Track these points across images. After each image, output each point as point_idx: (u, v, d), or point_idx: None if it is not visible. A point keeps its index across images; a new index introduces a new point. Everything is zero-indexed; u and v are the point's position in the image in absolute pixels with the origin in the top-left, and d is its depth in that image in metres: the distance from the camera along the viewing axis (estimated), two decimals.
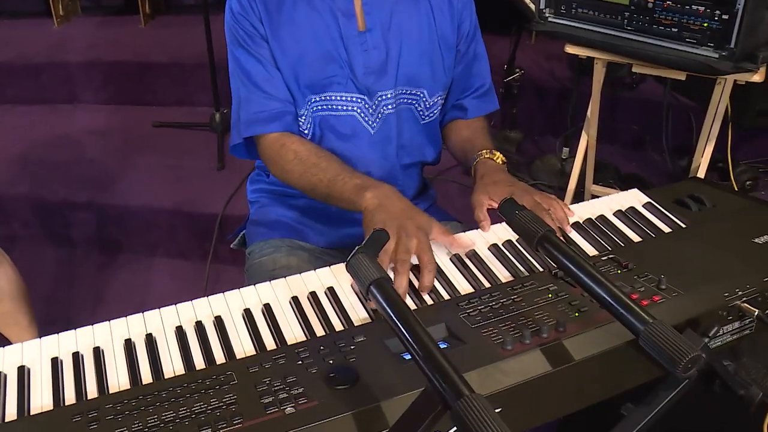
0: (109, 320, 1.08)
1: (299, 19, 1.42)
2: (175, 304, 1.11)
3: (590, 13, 2.04)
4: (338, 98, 1.46)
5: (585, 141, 2.40)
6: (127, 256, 2.88)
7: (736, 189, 2.65)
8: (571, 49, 2.13)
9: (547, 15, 2.10)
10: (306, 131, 1.48)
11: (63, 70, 3.95)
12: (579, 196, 2.55)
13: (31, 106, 3.84)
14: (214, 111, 3.16)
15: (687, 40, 1.89)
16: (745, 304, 1.07)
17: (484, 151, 1.46)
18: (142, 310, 1.10)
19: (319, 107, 1.46)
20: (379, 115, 1.49)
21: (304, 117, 1.47)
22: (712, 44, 1.85)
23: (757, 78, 1.94)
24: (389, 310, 0.81)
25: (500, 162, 1.45)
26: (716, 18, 1.82)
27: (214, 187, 2.89)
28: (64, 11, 4.61)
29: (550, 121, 3.24)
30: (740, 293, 1.08)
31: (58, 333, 1.07)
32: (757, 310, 1.07)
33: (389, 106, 1.49)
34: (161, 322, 1.07)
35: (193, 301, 1.11)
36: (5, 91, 3.87)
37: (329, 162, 1.39)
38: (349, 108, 1.47)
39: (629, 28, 1.98)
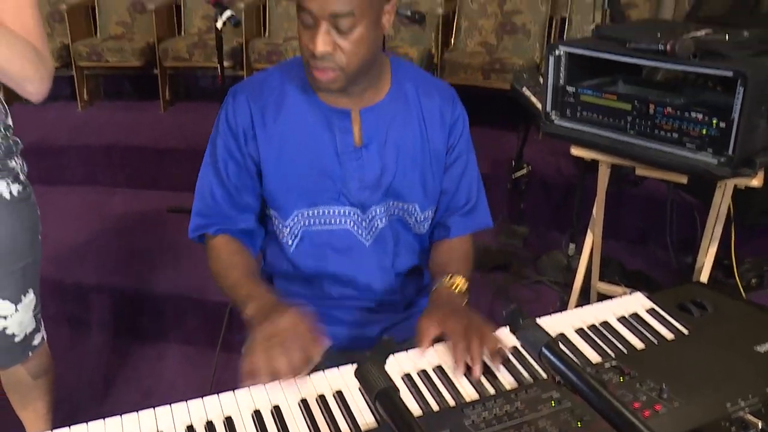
0: (121, 414, 1.10)
1: (295, 131, 1.44)
2: (186, 397, 1.13)
3: (594, 117, 2.11)
4: (331, 212, 1.48)
5: (590, 240, 2.45)
6: (139, 339, 2.90)
7: (741, 287, 2.67)
8: (576, 151, 2.20)
9: (553, 117, 2.18)
10: (290, 243, 1.50)
11: (83, 152, 4.08)
12: (585, 293, 2.58)
13: (51, 186, 3.95)
14: None
15: (687, 145, 1.95)
16: (749, 416, 1.08)
17: (446, 277, 1.42)
18: (152, 396, 1.12)
19: (311, 221, 1.48)
20: (373, 228, 1.50)
21: (289, 228, 1.49)
22: (711, 150, 1.91)
23: (755, 183, 2.00)
24: (395, 420, 0.84)
25: (457, 290, 1.40)
26: (714, 125, 1.88)
27: None
28: (88, 95, 4.79)
29: (556, 215, 3.31)
30: (743, 404, 1.09)
31: (69, 426, 1.08)
32: (760, 422, 1.07)
33: (382, 220, 1.50)
34: (172, 420, 1.09)
35: (204, 398, 1.13)
36: (28, 171, 3.99)
37: (234, 268, 1.42)
38: (342, 222, 1.48)
39: (632, 132, 2.05)
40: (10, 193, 1.68)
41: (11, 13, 1.47)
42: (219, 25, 2.96)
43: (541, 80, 2.74)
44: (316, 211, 1.47)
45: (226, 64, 3.57)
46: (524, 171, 3.12)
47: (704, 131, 1.91)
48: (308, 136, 1.44)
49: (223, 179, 1.47)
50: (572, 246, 2.97)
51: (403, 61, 1.54)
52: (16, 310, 1.74)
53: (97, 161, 4.05)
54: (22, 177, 1.73)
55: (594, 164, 2.39)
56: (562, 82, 2.13)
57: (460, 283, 1.42)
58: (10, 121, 1.71)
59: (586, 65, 2.12)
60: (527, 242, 3.24)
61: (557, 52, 2.11)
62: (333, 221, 1.48)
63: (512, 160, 3.18)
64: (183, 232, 3.44)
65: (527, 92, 2.69)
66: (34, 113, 4.60)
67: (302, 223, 1.48)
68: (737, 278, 2.69)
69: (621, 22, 2.71)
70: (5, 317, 1.73)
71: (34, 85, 1.52)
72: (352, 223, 1.48)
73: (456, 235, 1.57)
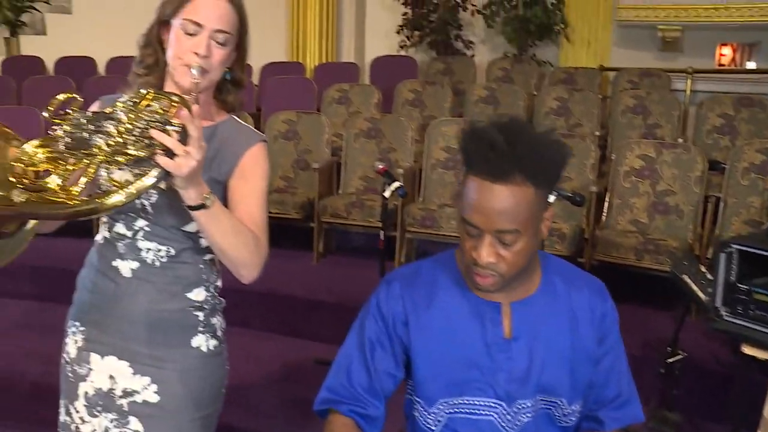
0: None
1: (446, 322, 1.50)
2: None
3: None
4: (476, 403, 1.50)
5: None
6: None
7: None
8: (748, 351, 2.14)
9: (722, 313, 2.16)
10: (434, 428, 1.53)
11: (239, 296, 4.32)
12: None
13: None
14: None
15: None
16: None
17: None
18: None
19: (455, 410, 1.51)
20: (518, 422, 1.51)
21: (434, 416, 1.52)
22: None
23: None
24: None
25: None
26: None
27: None
28: None
29: (712, 404, 3.14)
30: None
31: None
32: None
33: (528, 414, 1.51)
34: None
35: None
36: None
37: None
38: (487, 413, 1.51)
39: None
40: (207, 347, 1.84)
41: (244, 203, 1.67)
42: (387, 194, 3.17)
43: (701, 267, 2.73)
44: (461, 401, 1.51)
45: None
46: (679, 357, 3.02)
47: None
48: (458, 326, 1.50)
49: (366, 359, 1.53)
50: None
51: (550, 255, 1.62)
52: None
53: (252, 306, 4.28)
54: (219, 333, 1.90)
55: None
56: (733, 278, 2.12)
57: None
58: (219, 283, 1.90)
59: (759, 262, 2.11)
60: (680, 431, 3.07)
61: (729, 249, 2.12)
62: (478, 412, 1.51)
63: (664, 342, 3.08)
64: None
65: (688, 280, 2.66)
66: None
67: (447, 410, 1.52)
68: None
69: None
70: None
71: (247, 269, 1.67)
72: (496, 415, 1.50)
73: (610, 429, 1.57)
